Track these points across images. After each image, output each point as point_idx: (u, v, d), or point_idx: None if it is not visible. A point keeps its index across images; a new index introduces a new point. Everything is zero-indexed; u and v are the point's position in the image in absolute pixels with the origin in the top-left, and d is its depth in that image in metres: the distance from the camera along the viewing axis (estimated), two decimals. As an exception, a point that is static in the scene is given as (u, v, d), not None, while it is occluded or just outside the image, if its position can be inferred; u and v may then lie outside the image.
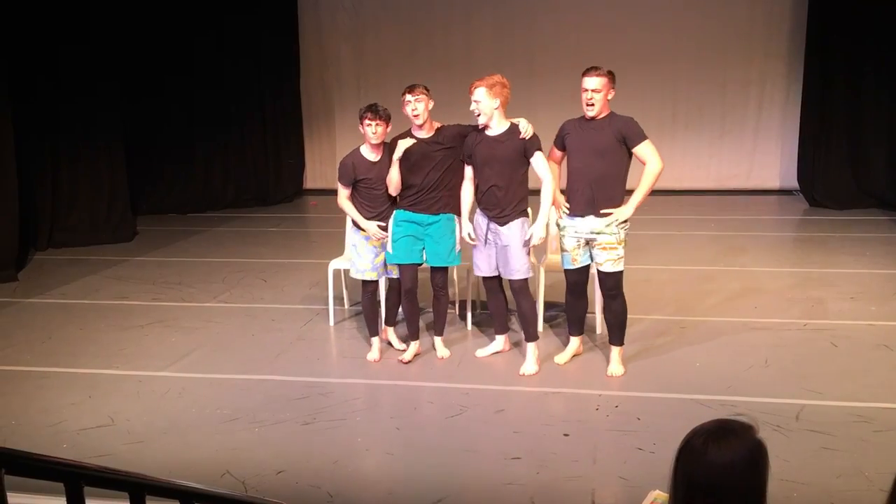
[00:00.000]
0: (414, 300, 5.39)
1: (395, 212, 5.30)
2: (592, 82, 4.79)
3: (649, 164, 4.85)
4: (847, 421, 4.39)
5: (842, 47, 10.04)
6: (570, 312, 5.35)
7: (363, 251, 5.41)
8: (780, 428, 4.30)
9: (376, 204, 5.30)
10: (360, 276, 5.49)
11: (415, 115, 5.08)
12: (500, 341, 5.55)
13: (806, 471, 3.88)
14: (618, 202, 4.92)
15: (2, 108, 7.68)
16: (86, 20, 8.90)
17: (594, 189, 4.88)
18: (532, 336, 5.23)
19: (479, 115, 4.99)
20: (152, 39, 10.52)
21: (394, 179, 5.16)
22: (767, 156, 11.41)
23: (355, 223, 5.41)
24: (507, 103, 5.01)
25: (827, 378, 4.97)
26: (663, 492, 2.40)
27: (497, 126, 5.01)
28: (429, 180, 5.16)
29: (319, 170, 12.44)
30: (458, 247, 5.35)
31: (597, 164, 4.87)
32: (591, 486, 3.86)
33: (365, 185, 5.27)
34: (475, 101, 4.95)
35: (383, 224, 5.29)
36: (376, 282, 5.50)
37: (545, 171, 5.00)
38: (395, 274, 5.42)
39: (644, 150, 4.83)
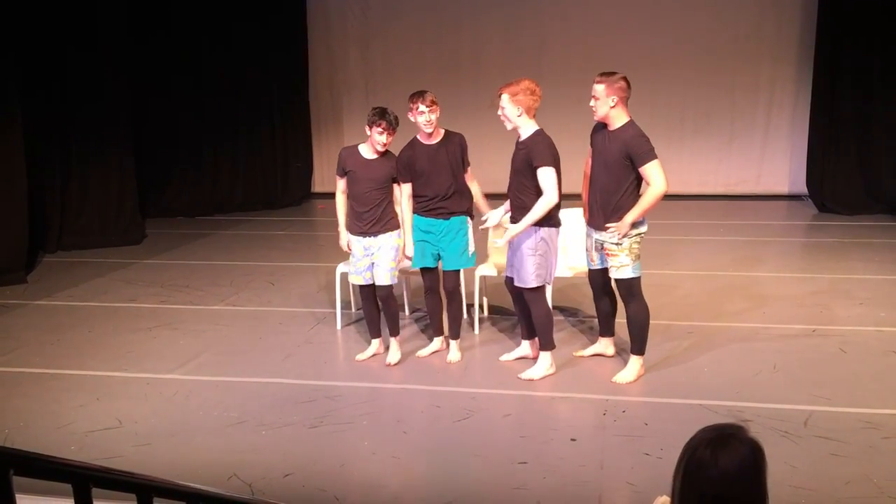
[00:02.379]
0: (435, 297, 5.48)
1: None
2: (593, 88, 4.86)
3: (652, 185, 4.78)
4: (856, 427, 4.37)
5: (851, 53, 10.01)
6: (597, 310, 5.43)
7: (351, 253, 5.50)
8: (789, 434, 4.29)
9: (360, 203, 5.31)
10: (351, 279, 5.66)
11: (428, 125, 5.13)
12: (526, 346, 5.47)
13: (814, 477, 3.86)
14: (622, 216, 4.87)
15: (12, 111, 7.72)
16: (94, 24, 8.94)
17: (599, 199, 4.94)
18: (545, 345, 5.18)
19: (504, 121, 4.96)
20: (161, 43, 10.57)
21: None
22: (776, 161, 11.35)
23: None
24: (534, 110, 4.93)
25: (836, 384, 4.95)
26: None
27: (524, 132, 4.97)
28: (441, 187, 5.21)
29: (327, 173, 12.40)
30: (471, 247, 5.38)
31: (603, 175, 4.91)
32: (598, 492, 3.85)
33: (351, 178, 5.30)
34: (500, 107, 4.93)
35: (348, 249, 5.48)
36: (369, 286, 5.49)
37: (546, 186, 4.82)
38: (381, 280, 5.44)
39: (649, 170, 4.76)
